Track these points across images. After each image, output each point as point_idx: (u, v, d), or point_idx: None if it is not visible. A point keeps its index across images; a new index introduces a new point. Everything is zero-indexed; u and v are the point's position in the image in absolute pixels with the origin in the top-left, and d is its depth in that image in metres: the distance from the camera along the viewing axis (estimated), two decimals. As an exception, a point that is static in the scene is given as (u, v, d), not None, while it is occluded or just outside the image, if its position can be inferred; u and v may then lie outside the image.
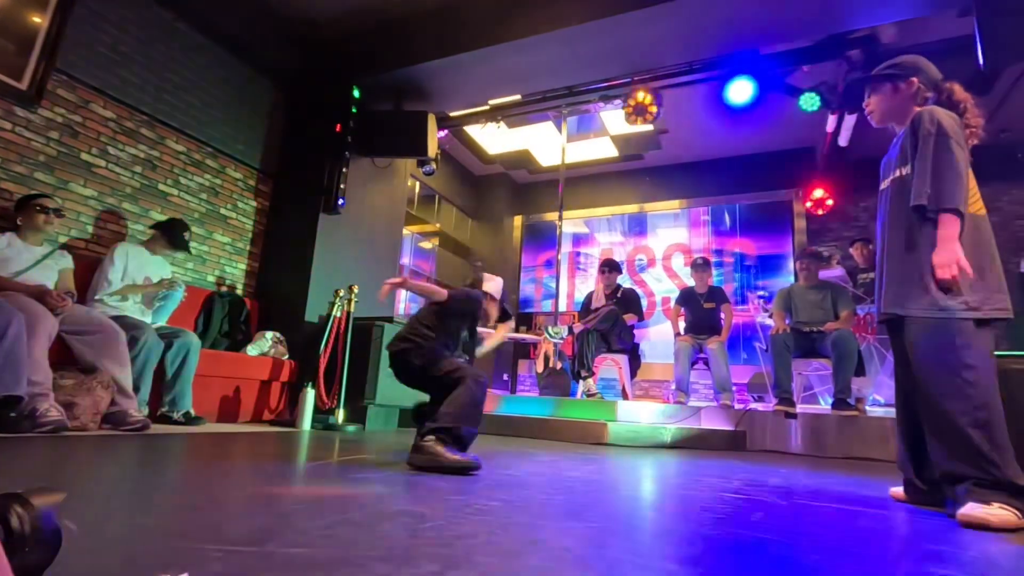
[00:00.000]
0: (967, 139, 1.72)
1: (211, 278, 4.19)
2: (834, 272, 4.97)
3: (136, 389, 2.75)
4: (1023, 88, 4.85)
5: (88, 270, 3.14)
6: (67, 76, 3.34)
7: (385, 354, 3.88)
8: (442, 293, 2.19)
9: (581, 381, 4.64)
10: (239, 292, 4.36)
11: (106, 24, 3.54)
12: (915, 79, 1.81)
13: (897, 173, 1.77)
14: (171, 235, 3.42)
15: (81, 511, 1.01)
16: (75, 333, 2.64)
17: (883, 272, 1.80)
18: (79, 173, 3.40)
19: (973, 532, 1.35)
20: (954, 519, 1.46)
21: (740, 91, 4.61)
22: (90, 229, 3.44)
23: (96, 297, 3.03)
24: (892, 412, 3.81)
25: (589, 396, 4.58)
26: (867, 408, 3.96)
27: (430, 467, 1.85)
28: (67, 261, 2.95)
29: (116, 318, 2.87)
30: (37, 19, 3.17)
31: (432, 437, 1.91)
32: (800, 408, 3.83)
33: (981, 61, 3.14)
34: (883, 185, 1.87)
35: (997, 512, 1.40)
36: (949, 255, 1.57)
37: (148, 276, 3.26)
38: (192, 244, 4.03)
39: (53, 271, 2.84)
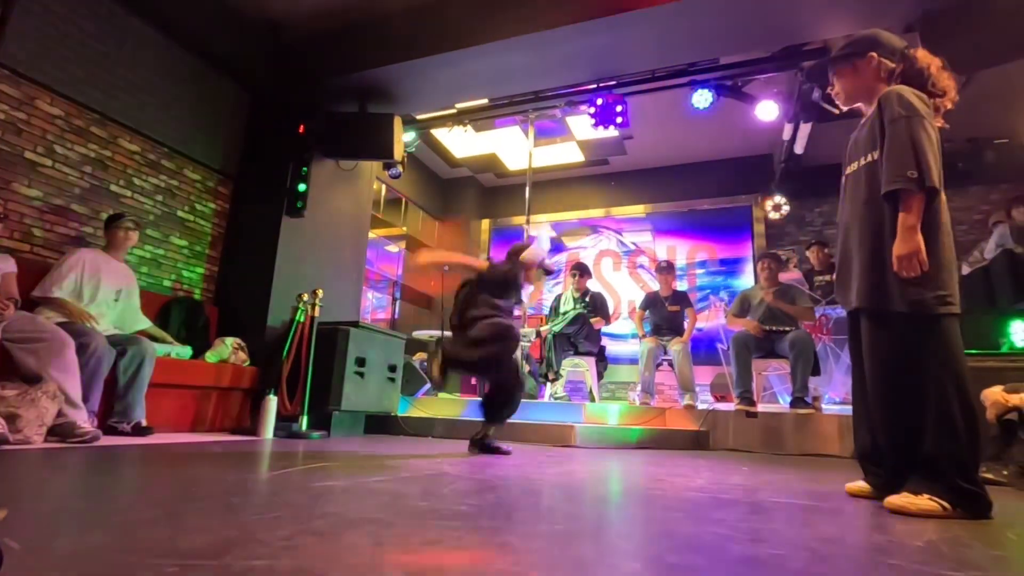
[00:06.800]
0: (940, 107, 1.68)
1: (167, 283, 4.04)
2: (792, 275, 5.14)
3: (85, 399, 2.62)
4: (963, 101, 5.12)
5: (33, 274, 2.98)
6: (10, 71, 3.17)
7: (351, 359, 3.84)
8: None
9: (548, 383, 4.67)
10: (197, 297, 4.22)
11: (53, 17, 3.38)
12: (873, 53, 1.76)
13: (868, 158, 1.69)
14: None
15: (25, 529, 0.96)
16: (18, 341, 2.50)
17: (849, 261, 1.72)
18: (23, 173, 3.23)
19: (925, 522, 1.40)
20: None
21: (701, 97, 4.73)
22: (35, 232, 3.28)
23: (35, 294, 2.88)
24: (847, 410, 3.96)
25: (556, 398, 4.61)
26: (823, 406, 4.10)
27: None
28: (10, 265, 2.79)
29: (64, 324, 2.73)
30: (-23, 10, 3.01)
31: None
32: (760, 407, 3.95)
33: (925, 74, 3.31)
34: (850, 169, 1.79)
35: (925, 503, 1.44)
36: (911, 246, 1.48)
37: (108, 286, 3.14)
38: (148, 247, 3.90)
39: (-6, 276, 2.69)
